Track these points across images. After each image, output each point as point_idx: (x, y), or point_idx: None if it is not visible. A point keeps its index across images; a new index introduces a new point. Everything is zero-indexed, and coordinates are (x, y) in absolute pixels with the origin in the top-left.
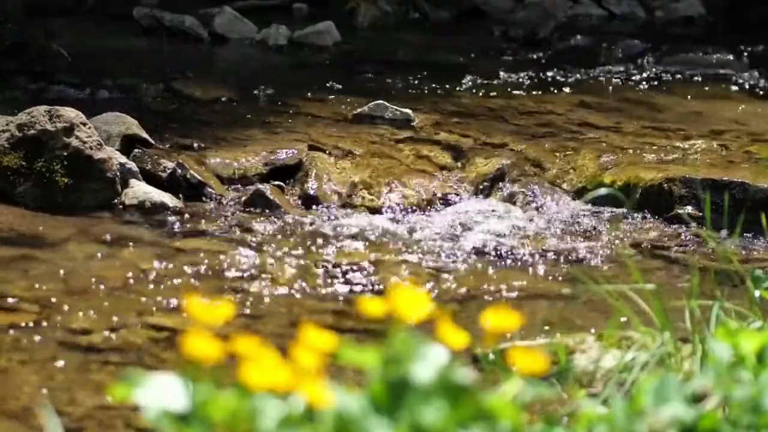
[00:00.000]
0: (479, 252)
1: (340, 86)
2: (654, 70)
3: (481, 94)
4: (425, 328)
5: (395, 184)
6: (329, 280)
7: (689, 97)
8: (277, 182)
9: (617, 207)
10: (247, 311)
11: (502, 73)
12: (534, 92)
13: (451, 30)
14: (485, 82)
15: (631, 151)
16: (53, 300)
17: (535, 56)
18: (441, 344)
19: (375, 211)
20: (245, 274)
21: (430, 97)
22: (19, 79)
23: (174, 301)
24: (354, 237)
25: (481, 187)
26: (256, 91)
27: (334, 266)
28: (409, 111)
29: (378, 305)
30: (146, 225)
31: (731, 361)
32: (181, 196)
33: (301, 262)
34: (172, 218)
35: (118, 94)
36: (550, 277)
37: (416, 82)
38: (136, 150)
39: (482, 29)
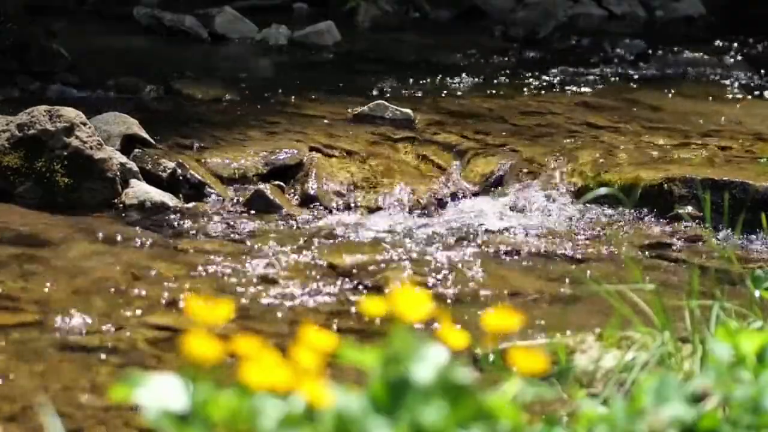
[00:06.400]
0: (479, 252)
1: (340, 86)
2: (654, 70)
3: (481, 94)
4: (425, 328)
5: (395, 184)
6: (329, 280)
7: (689, 97)
8: (277, 182)
9: (617, 207)
10: (247, 311)
11: (502, 73)
12: (534, 92)
13: (451, 30)
14: (485, 82)
15: (631, 151)
16: (53, 300)
17: (535, 56)
18: (441, 344)
19: (375, 211)
20: (245, 274)
21: (430, 97)
22: (19, 79)
23: (174, 301)
24: (354, 237)
25: (480, 187)
26: (256, 91)
27: (334, 266)
28: (409, 111)
29: (378, 305)
30: (146, 225)
31: (731, 361)
32: (181, 195)
33: (301, 261)
34: (172, 218)
35: (118, 94)
36: (550, 277)
37: (416, 82)
38: (136, 150)
39: (482, 29)
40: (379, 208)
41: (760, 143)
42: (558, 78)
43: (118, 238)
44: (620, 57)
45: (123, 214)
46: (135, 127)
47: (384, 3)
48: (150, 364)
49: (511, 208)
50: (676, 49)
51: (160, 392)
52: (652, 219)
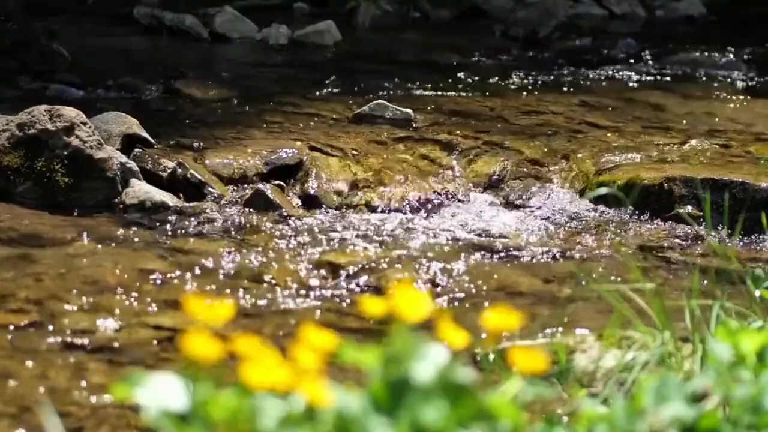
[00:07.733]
0: (479, 252)
1: (340, 86)
2: (654, 70)
3: (481, 94)
4: (425, 328)
5: (395, 184)
6: (329, 280)
7: (689, 97)
8: (277, 182)
9: (617, 207)
10: (247, 311)
11: (502, 73)
12: (534, 92)
13: (451, 29)
14: (485, 82)
15: (631, 151)
16: (53, 300)
17: (535, 56)
18: (441, 344)
19: (375, 210)
20: (245, 274)
21: (430, 97)
22: (19, 78)
23: (174, 301)
24: (354, 236)
25: (481, 186)
26: (256, 91)
27: (334, 266)
28: (409, 111)
29: (378, 305)
30: (147, 224)
31: (731, 361)
32: (181, 195)
33: (302, 261)
34: (172, 218)
35: (118, 94)
36: (550, 277)
37: (416, 82)
38: (137, 149)
39: (482, 29)
40: (379, 208)
41: (760, 143)
42: (558, 78)
43: (118, 237)
44: (620, 57)
45: (123, 214)
46: (135, 127)
47: (384, 3)
48: (150, 364)
49: (511, 208)
50: (676, 48)
51: (160, 392)
52: (653, 219)
